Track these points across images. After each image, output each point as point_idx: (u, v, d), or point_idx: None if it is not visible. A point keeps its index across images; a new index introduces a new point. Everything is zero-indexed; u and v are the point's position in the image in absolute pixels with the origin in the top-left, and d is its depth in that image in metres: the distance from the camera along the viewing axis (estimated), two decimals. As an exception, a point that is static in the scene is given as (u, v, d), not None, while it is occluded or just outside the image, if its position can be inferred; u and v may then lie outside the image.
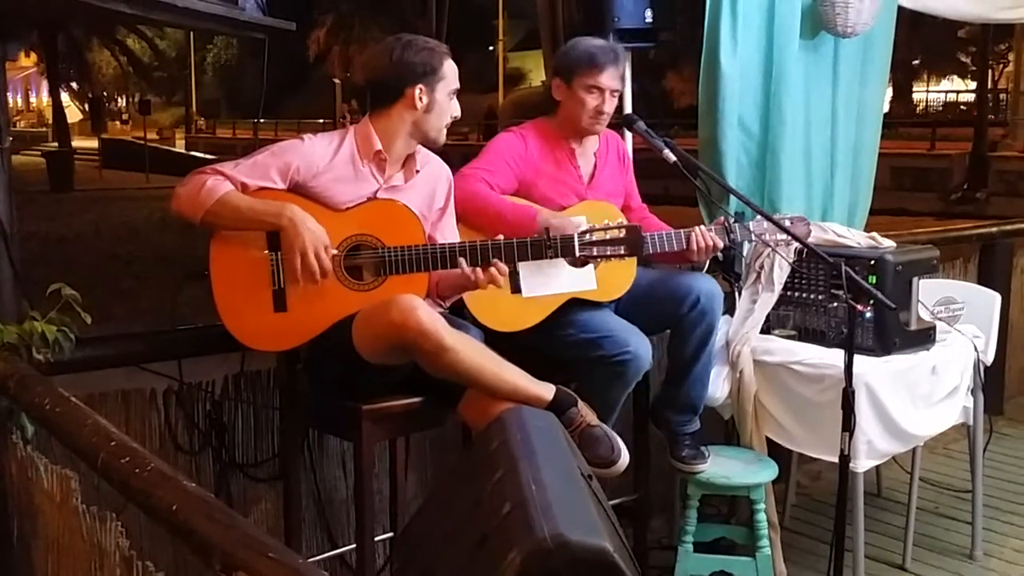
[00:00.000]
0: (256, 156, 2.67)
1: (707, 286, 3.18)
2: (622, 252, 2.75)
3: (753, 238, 3.22)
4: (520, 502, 1.64)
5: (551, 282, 3.03)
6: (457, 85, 2.79)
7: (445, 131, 2.81)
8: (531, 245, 2.73)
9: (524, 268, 2.97)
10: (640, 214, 3.38)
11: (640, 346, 2.99)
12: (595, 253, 2.74)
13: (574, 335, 3.03)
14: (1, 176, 2.56)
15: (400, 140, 2.76)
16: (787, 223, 3.21)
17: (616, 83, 3.15)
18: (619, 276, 3.13)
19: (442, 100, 2.74)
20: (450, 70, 2.76)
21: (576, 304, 3.06)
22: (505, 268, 2.69)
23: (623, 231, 2.74)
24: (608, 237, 2.73)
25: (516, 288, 3.00)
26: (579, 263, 3.00)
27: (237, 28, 2.88)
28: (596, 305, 3.10)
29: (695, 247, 3.10)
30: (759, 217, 3.22)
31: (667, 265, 3.64)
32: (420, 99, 2.71)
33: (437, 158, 2.92)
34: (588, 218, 2.98)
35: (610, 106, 3.15)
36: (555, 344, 3.03)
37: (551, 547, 1.51)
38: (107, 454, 1.85)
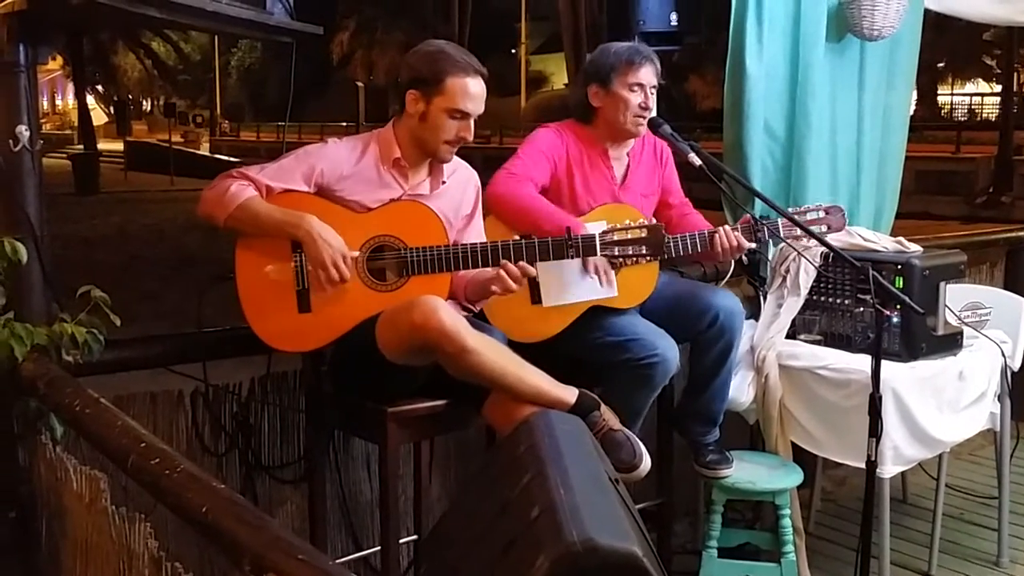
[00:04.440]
0: (282, 160, 2.69)
1: (727, 303, 3.16)
2: (644, 252, 2.73)
3: (782, 232, 3.15)
4: (548, 506, 1.64)
5: (571, 290, 3.02)
6: (461, 107, 2.66)
7: (449, 151, 2.73)
8: (552, 245, 2.72)
9: (544, 277, 2.96)
10: (681, 211, 3.35)
11: (668, 349, 2.98)
12: (617, 253, 2.73)
13: (601, 338, 3.02)
14: (32, 179, 2.58)
15: (413, 147, 2.75)
16: (822, 213, 3.18)
17: (654, 79, 3.16)
18: (641, 281, 3.11)
19: (436, 113, 2.66)
20: (455, 87, 2.65)
21: (602, 308, 3.05)
22: (515, 270, 2.65)
23: (644, 231, 2.72)
24: (630, 237, 2.72)
25: (536, 299, 3.00)
26: None
27: (266, 32, 2.88)
28: (623, 309, 3.10)
29: (719, 248, 3.07)
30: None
31: (695, 266, 3.64)
32: (415, 103, 2.68)
33: (466, 165, 2.91)
34: (608, 222, 2.97)
35: (652, 102, 3.15)
36: (582, 347, 3.03)
37: (580, 551, 1.51)
38: (137, 455, 1.86)
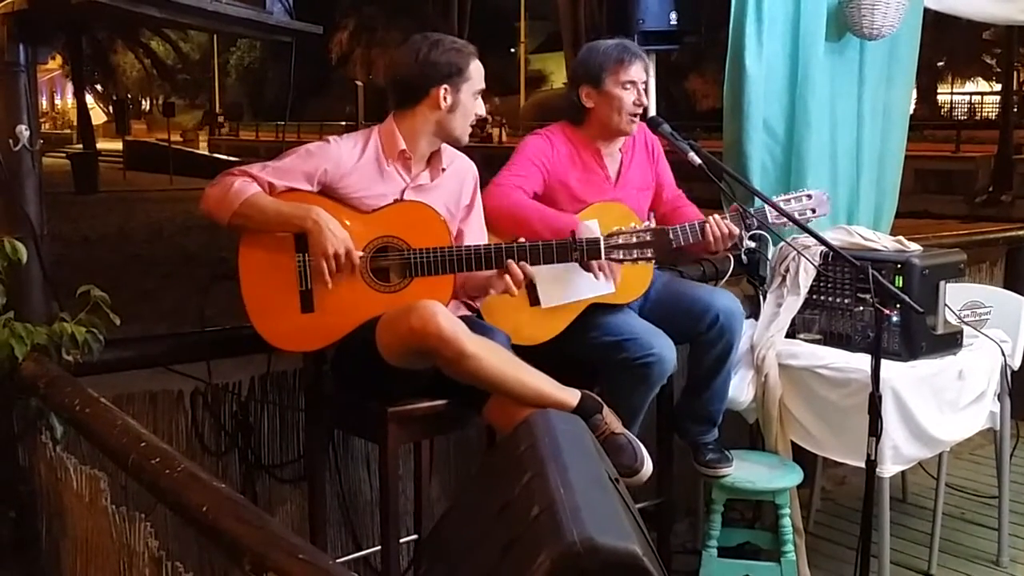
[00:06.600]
0: (284, 159, 2.69)
1: (726, 304, 3.16)
2: (649, 255, 2.73)
3: (770, 219, 3.13)
4: (549, 505, 1.64)
5: (568, 289, 3.01)
6: (482, 85, 2.80)
7: (469, 130, 2.82)
8: (556, 248, 2.72)
9: (540, 278, 2.96)
10: (674, 203, 3.35)
11: (664, 348, 2.98)
12: (622, 256, 2.73)
13: (598, 338, 3.02)
14: (32, 178, 2.58)
15: (424, 139, 2.77)
16: (805, 200, 3.17)
17: (644, 75, 3.17)
18: (636, 277, 3.11)
19: (466, 100, 2.75)
20: (476, 71, 2.77)
21: (599, 307, 3.05)
22: (519, 273, 2.67)
23: (649, 234, 2.72)
24: (635, 240, 2.71)
25: (534, 300, 2.99)
26: None
27: (265, 32, 2.89)
28: (619, 308, 3.09)
29: (711, 237, 3.05)
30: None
31: (695, 265, 3.63)
32: (444, 99, 2.72)
33: (463, 155, 2.92)
34: (600, 220, 2.96)
35: (644, 99, 3.15)
36: (579, 347, 3.03)
37: (580, 551, 1.51)
38: (137, 455, 1.86)
